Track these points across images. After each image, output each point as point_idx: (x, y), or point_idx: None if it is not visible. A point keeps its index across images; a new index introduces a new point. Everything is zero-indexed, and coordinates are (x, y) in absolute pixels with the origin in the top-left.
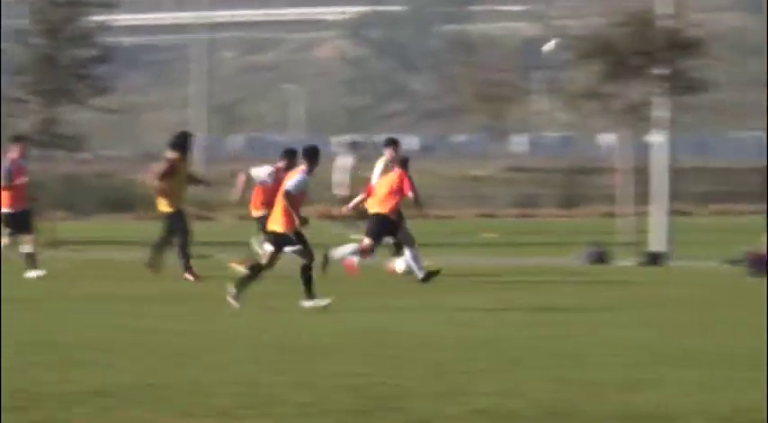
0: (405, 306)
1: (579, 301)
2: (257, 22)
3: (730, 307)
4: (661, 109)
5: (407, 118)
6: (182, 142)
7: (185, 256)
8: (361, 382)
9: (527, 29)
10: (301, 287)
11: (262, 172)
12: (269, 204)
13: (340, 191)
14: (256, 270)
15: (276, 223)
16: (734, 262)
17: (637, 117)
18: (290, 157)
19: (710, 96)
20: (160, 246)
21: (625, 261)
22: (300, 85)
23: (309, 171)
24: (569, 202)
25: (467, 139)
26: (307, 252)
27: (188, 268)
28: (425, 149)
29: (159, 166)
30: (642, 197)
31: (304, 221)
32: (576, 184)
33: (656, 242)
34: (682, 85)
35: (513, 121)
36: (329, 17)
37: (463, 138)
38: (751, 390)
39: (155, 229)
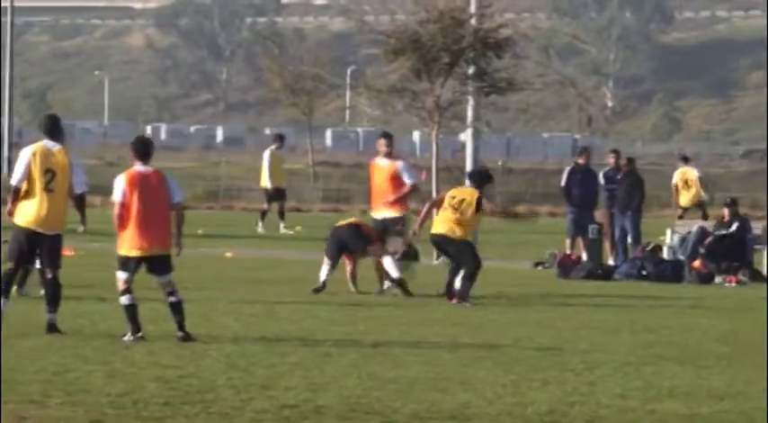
0: (213, 297)
1: (394, 299)
2: (67, 7)
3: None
4: (470, 108)
5: (216, 108)
6: None
7: None
8: (171, 374)
9: (336, 23)
10: None
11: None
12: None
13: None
14: None
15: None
16: (540, 263)
17: (446, 115)
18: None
19: (518, 96)
20: None
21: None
22: (110, 72)
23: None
24: None
25: (274, 132)
26: None
27: None
28: (231, 141)
29: None
30: None
31: None
32: None
33: None
34: (490, 85)
35: (322, 115)
36: (137, 5)
37: (268, 130)
38: (561, 392)
39: None
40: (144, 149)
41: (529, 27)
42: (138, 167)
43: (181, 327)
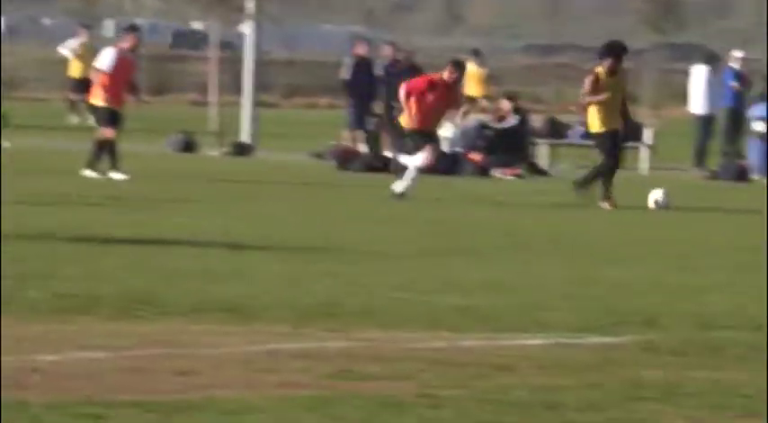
0: None
1: (166, 189)
2: None
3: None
4: None
5: None
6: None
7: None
8: None
9: None
10: None
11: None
12: None
13: None
14: None
15: None
16: (318, 155)
17: (227, 7)
18: None
19: None
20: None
21: (212, 151)
22: None
23: None
24: (158, 88)
25: (54, 23)
26: None
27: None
28: (12, 31)
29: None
30: (233, 87)
31: None
32: (164, 71)
33: (244, 133)
34: None
35: (105, 6)
36: None
37: (49, 21)
38: (336, 283)
39: None
40: None
41: None
42: None
43: None
